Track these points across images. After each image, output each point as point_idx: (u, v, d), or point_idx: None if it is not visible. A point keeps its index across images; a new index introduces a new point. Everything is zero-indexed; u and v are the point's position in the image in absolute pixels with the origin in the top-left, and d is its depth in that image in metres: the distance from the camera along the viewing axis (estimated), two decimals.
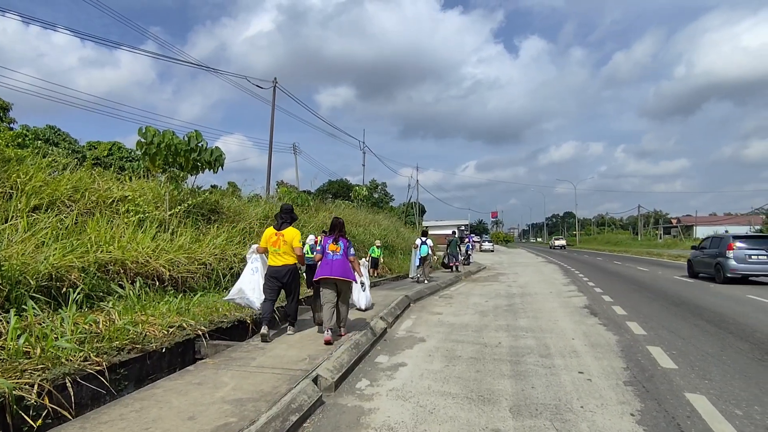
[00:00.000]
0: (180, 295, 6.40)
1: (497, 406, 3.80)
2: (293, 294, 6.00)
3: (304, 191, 24.81)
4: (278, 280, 5.76)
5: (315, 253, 6.21)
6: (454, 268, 18.17)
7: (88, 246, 6.06)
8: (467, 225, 50.66)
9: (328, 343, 5.30)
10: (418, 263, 14.13)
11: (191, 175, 10.03)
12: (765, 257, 12.27)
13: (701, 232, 55.71)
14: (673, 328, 6.72)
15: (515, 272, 19.34)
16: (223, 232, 9.50)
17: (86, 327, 4.39)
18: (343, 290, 5.71)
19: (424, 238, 13.85)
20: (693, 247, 15.40)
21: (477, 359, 5.25)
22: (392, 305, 8.27)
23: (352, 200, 26.64)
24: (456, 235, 24.19)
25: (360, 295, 7.90)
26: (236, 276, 7.25)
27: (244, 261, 8.89)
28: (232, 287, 6.38)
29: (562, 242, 65.44)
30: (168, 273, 6.71)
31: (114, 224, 7.32)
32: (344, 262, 5.67)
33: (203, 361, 4.78)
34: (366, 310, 7.89)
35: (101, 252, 6.10)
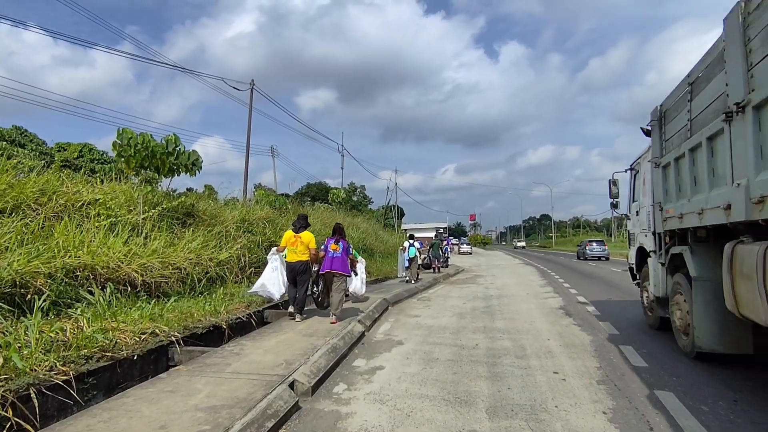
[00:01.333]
0: (153, 301, 6.25)
1: (474, 407, 3.82)
2: (304, 285, 7.18)
3: (282, 194, 24.59)
4: (293, 272, 7.07)
5: (320, 251, 7.33)
6: (435, 270, 18.92)
7: (56, 251, 5.86)
8: (446, 228, 51.03)
9: (334, 323, 6.79)
10: (407, 264, 14.69)
11: (166, 177, 9.83)
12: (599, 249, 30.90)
13: None
14: (643, 328, 6.90)
15: (493, 274, 19.56)
16: (199, 236, 9.32)
17: (52, 335, 4.24)
18: (339, 281, 7.04)
19: (411, 241, 14.91)
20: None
21: (454, 361, 5.28)
22: (370, 308, 8.25)
23: (330, 203, 26.53)
24: (437, 238, 24.58)
25: (361, 286, 9.50)
26: (210, 280, 7.94)
27: (219, 265, 8.83)
28: (256, 281, 7.93)
29: (523, 243, 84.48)
30: (141, 278, 6.54)
31: (84, 228, 7.10)
32: (343, 259, 7.05)
33: (176, 368, 4.67)
34: (364, 299, 9.51)
35: (69, 257, 5.90)
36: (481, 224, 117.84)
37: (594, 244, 32.66)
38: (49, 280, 5.22)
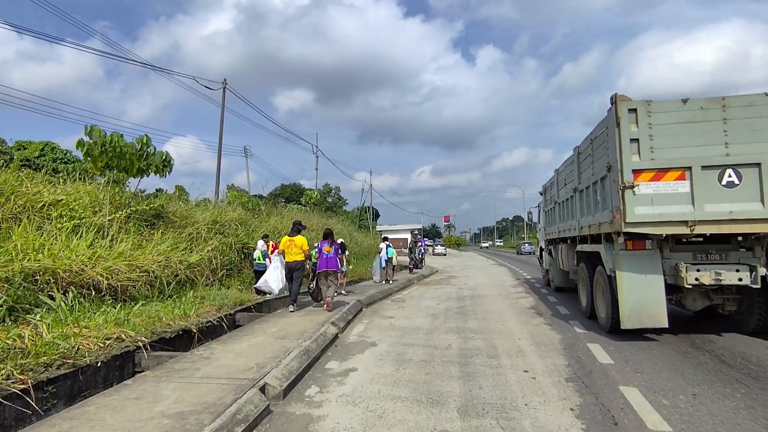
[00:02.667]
0: (119, 305, 6.06)
1: (446, 407, 3.86)
2: (298, 281, 8.51)
3: (256, 195, 24.24)
4: (290, 270, 8.44)
5: (315, 252, 8.91)
6: (411, 269, 19.61)
7: (13, 254, 5.62)
8: (420, 229, 51.28)
9: (329, 309, 8.18)
10: (384, 265, 14.81)
11: (135, 178, 9.56)
12: (528, 247, 44.65)
13: None
14: None
15: (466, 275, 19.79)
16: (169, 238, 9.10)
17: (9, 342, 4.06)
18: (333, 276, 8.49)
19: (387, 242, 15.32)
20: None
21: (427, 362, 5.31)
22: (344, 310, 8.22)
23: (304, 204, 26.31)
24: (413, 239, 24.89)
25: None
26: (180, 283, 8.12)
27: (189, 267, 8.65)
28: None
29: (486, 244, 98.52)
30: (106, 282, 6.34)
31: (44, 230, 6.83)
32: (335, 259, 8.52)
33: (143, 374, 4.53)
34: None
35: (28, 260, 5.66)
36: (455, 225, 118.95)
37: (526, 245, 48.14)
38: (6, 285, 5.00)
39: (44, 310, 5.13)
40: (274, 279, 8.93)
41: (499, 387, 4.34)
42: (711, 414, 3.56)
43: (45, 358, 4.03)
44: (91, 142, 8.08)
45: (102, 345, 4.67)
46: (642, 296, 5.69)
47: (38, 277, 5.57)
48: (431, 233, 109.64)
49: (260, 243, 10.68)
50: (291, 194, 46.30)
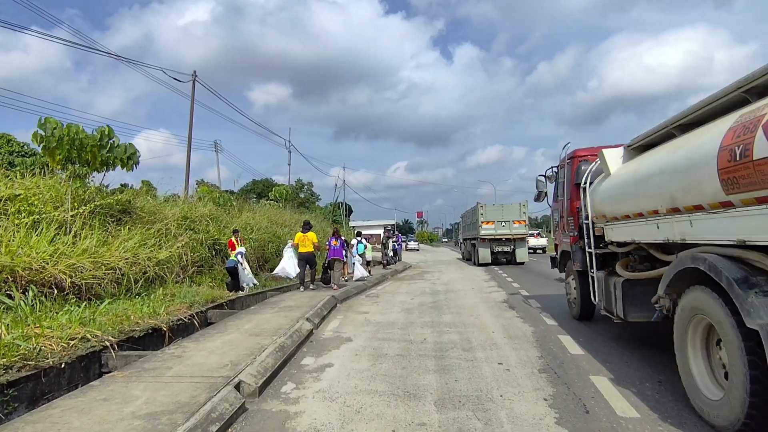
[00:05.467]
0: (84, 304, 5.82)
1: (423, 400, 3.88)
2: (312, 267, 11.32)
3: (227, 191, 23.74)
4: (305, 260, 11.04)
5: (325, 245, 12.02)
6: (384, 265, 19.89)
7: None
8: (393, 225, 51.33)
9: (335, 289, 10.64)
10: (359, 260, 14.38)
11: (99, 172, 9.19)
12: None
13: None
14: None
15: (439, 270, 20.00)
16: (136, 234, 8.80)
17: None
18: (338, 264, 11.41)
19: (359, 238, 15.62)
20: None
21: (403, 356, 5.34)
22: (318, 306, 8.16)
23: (274, 200, 25.91)
24: (386, 235, 24.99)
25: (358, 270, 13.72)
26: (149, 280, 7.96)
27: (159, 264, 8.40)
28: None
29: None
30: (69, 280, 6.07)
31: (1, 227, 6.48)
32: (340, 250, 11.43)
33: (111, 374, 4.37)
34: (362, 279, 13.71)
35: None
36: (428, 221, 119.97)
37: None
38: None
39: (2, 309, 4.87)
40: (290, 266, 11.56)
41: (474, 379, 4.40)
42: (676, 400, 3.72)
43: (4, 360, 3.83)
44: (46, 135, 7.71)
45: (66, 345, 4.47)
46: (484, 254, 21.19)
47: None
48: (404, 229, 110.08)
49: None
50: (263, 190, 45.57)
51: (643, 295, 4.56)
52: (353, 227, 40.14)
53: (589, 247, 6.01)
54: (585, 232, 6.11)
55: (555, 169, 8.19)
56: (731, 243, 3.11)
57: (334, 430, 3.33)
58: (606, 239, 5.72)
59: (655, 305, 4.01)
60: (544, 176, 8.47)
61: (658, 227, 4.20)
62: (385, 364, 5.03)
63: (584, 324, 6.81)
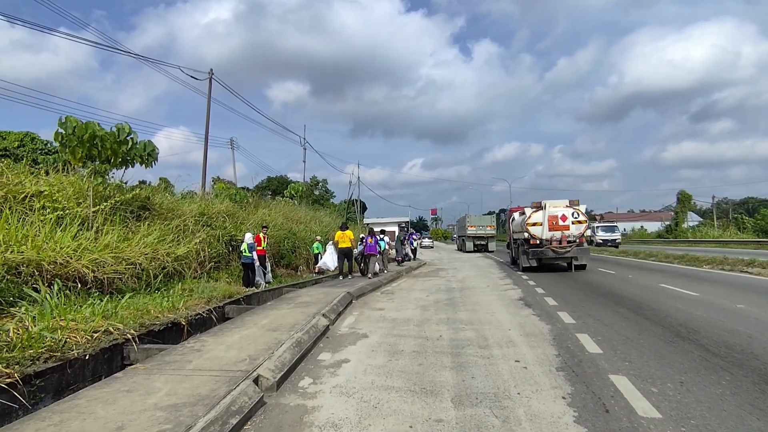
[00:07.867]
0: (106, 298, 5.95)
1: (440, 397, 3.88)
2: (351, 260, 13.60)
3: (243, 188, 23.99)
4: (344, 254, 13.27)
5: (360, 245, 14.15)
6: (399, 261, 20.06)
7: None
8: (407, 222, 51.28)
9: (374, 275, 13.38)
10: (380, 257, 15.17)
11: (118, 169, 9.36)
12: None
13: (621, 228, 60.53)
14: (597, 317, 7.22)
15: (454, 267, 19.92)
16: (155, 230, 8.96)
17: None
18: (373, 258, 13.63)
19: (382, 236, 16.07)
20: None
21: (419, 353, 5.34)
22: (334, 302, 8.20)
23: (288, 197, 26.10)
24: (402, 232, 25.19)
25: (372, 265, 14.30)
26: (168, 276, 8.21)
27: (177, 260, 8.54)
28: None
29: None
30: (92, 274, 6.22)
31: (27, 222, 6.66)
32: (375, 246, 13.61)
33: (133, 366, 4.47)
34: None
35: (11, 252, 5.53)
36: (442, 219, 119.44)
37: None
38: None
39: (29, 302, 5.01)
40: (331, 260, 14.38)
41: (491, 377, 4.38)
42: (698, 401, 3.65)
43: (32, 351, 3.95)
44: (67, 133, 7.89)
45: (90, 338, 4.59)
46: (469, 246, 36.90)
47: (22, 270, 5.44)
48: (418, 226, 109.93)
49: (248, 236, 10.59)
50: (278, 187, 45.95)
51: (525, 255, 15.44)
52: (367, 224, 40.26)
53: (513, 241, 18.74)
54: (510, 237, 18.81)
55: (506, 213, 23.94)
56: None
57: (351, 425, 3.35)
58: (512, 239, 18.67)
59: (529, 258, 15.19)
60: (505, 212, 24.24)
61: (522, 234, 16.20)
62: (402, 360, 5.04)
63: (602, 323, 6.73)
